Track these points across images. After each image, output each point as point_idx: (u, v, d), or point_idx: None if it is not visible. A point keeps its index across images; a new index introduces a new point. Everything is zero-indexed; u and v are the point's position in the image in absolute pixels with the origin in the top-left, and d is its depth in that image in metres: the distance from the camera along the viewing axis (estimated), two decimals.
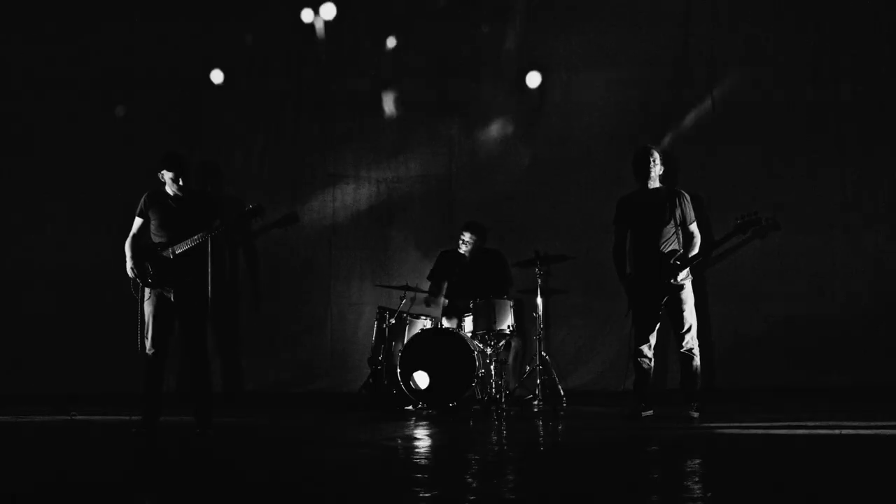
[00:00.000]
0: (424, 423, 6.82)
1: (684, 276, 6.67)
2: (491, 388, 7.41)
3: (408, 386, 7.28)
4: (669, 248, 6.69)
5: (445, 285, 8.00)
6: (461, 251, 8.01)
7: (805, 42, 8.56)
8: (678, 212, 6.72)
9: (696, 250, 6.73)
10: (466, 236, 7.96)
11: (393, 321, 7.55)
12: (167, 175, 6.24)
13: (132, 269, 6.21)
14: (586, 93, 8.63)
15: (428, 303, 8.01)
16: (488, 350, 7.45)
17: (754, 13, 8.59)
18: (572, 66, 8.65)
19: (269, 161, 8.69)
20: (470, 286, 7.74)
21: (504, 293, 7.76)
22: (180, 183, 6.24)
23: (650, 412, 6.81)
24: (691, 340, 6.68)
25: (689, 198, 6.83)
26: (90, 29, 8.62)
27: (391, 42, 8.59)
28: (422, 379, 7.27)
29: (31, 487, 4.54)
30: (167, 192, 6.29)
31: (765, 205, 8.31)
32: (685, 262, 6.66)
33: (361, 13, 8.73)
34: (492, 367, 7.44)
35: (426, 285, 8.04)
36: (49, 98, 8.58)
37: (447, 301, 7.92)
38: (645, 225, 6.73)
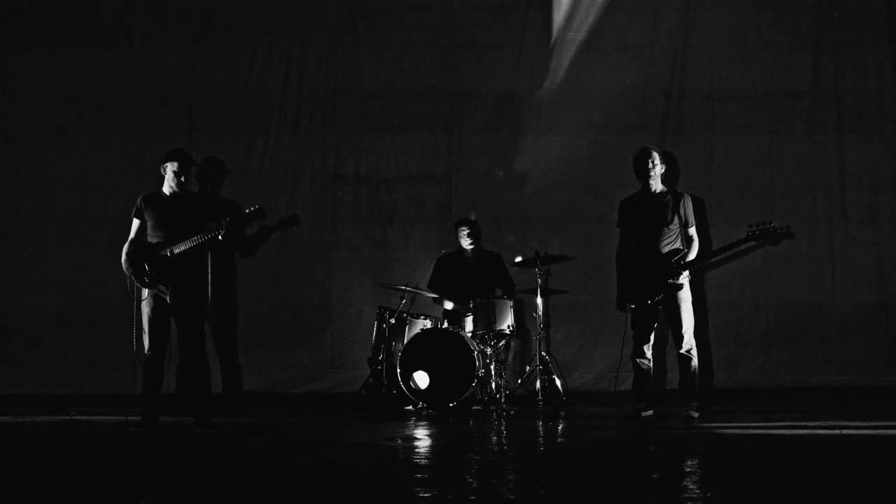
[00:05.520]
0: (424, 423, 6.81)
1: (684, 278, 6.67)
2: (491, 388, 7.41)
3: (408, 386, 7.27)
4: (670, 249, 6.69)
5: (446, 292, 7.96)
6: (464, 245, 8.01)
7: (805, 41, 8.58)
8: (680, 213, 6.72)
9: (693, 254, 6.72)
10: (464, 231, 7.98)
11: (393, 321, 7.55)
12: (170, 168, 6.24)
13: (128, 269, 6.20)
14: (587, 92, 8.62)
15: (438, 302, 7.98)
16: (488, 350, 7.45)
17: (754, 13, 8.60)
18: (576, 64, 8.65)
19: (269, 161, 8.68)
20: (473, 288, 7.73)
21: (505, 295, 7.78)
22: (182, 179, 6.23)
23: (650, 412, 6.81)
24: (690, 340, 6.68)
25: (690, 200, 6.83)
26: (84, 39, 8.61)
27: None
28: (422, 379, 7.27)
29: (30, 488, 4.54)
30: (164, 193, 6.29)
31: (764, 205, 8.36)
32: (687, 264, 6.65)
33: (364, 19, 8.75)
34: (492, 367, 7.44)
35: (427, 291, 7.99)
36: (45, 98, 8.58)
37: (450, 305, 7.86)
38: (646, 226, 6.73)
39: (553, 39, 8.65)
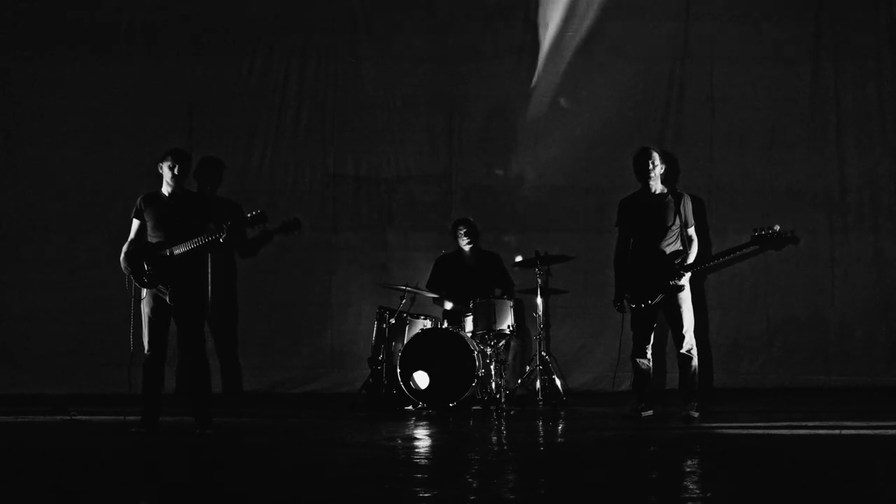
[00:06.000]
0: (424, 423, 6.82)
1: (685, 279, 6.67)
2: (491, 388, 7.41)
3: (408, 386, 7.27)
4: (671, 250, 6.69)
5: (445, 292, 7.96)
6: (462, 244, 8.01)
7: (805, 41, 8.59)
8: (680, 214, 6.72)
9: (693, 255, 6.72)
10: (462, 231, 8.00)
11: (393, 321, 7.55)
12: (166, 165, 6.23)
13: (126, 268, 6.20)
14: (587, 92, 8.63)
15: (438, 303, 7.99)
16: (488, 350, 7.45)
17: (754, 13, 8.61)
18: (575, 65, 8.65)
19: (269, 161, 8.68)
20: (472, 289, 7.73)
21: (505, 295, 7.79)
22: (175, 172, 6.22)
23: (650, 412, 6.81)
24: (690, 340, 6.68)
25: (690, 201, 6.84)
26: (84, 39, 8.60)
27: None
28: (422, 379, 7.27)
29: (30, 488, 4.54)
30: (163, 193, 6.29)
31: (764, 205, 8.37)
32: (689, 267, 6.65)
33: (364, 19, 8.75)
34: (492, 367, 7.44)
35: (427, 291, 8.00)
36: (45, 98, 8.57)
37: (450, 305, 7.86)
38: (647, 227, 6.74)
39: (552, 41, 8.65)
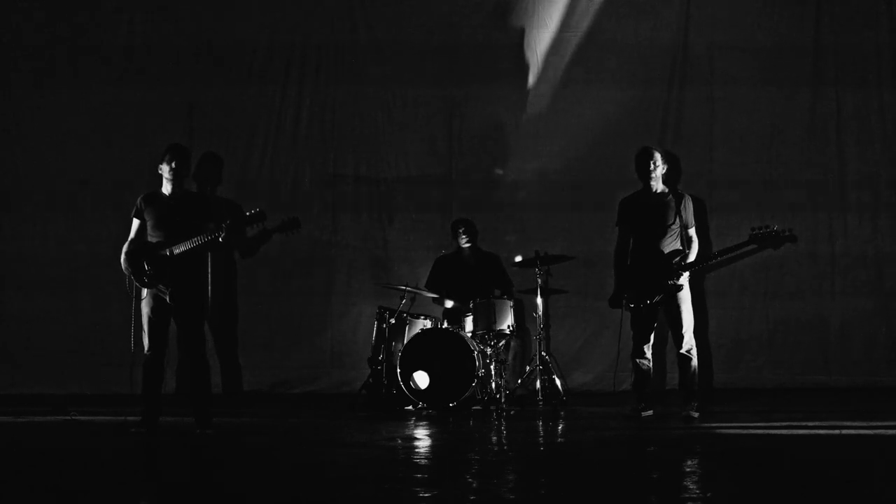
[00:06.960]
0: (424, 423, 6.82)
1: (684, 279, 6.67)
2: (491, 388, 7.41)
3: (408, 386, 7.28)
4: (671, 249, 6.69)
5: (444, 292, 7.96)
6: (461, 244, 8.01)
7: (805, 40, 8.59)
8: (681, 214, 6.72)
9: (693, 255, 6.73)
10: (461, 230, 8.01)
11: (393, 321, 7.55)
12: (164, 163, 6.23)
13: (127, 268, 6.20)
14: (587, 92, 8.63)
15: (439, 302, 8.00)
16: (488, 350, 7.45)
17: (754, 12, 8.61)
18: (574, 64, 8.65)
19: (270, 161, 8.68)
20: (471, 289, 7.73)
21: (504, 295, 7.79)
22: (173, 165, 6.21)
23: (650, 412, 6.81)
24: (690, 340, 6.68)
25: (691, 201, 6.84)
26: (83, 39, 8.60)
27: None
28: (422, 379, 7.27)
29: (30, 488, 4.54)
30: (163, 193, 6.29)
31: (764, 205, 8.37)
32: (688, 266, 6.65)
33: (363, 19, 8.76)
34: (492, 367, 7.44)
35: (427, 291, 8.00)
36: (45, 98, 8.57)
37: (450, 304, 7.86)
38: (647, 227, 6.74)
39: (551, 40, 8.65)
